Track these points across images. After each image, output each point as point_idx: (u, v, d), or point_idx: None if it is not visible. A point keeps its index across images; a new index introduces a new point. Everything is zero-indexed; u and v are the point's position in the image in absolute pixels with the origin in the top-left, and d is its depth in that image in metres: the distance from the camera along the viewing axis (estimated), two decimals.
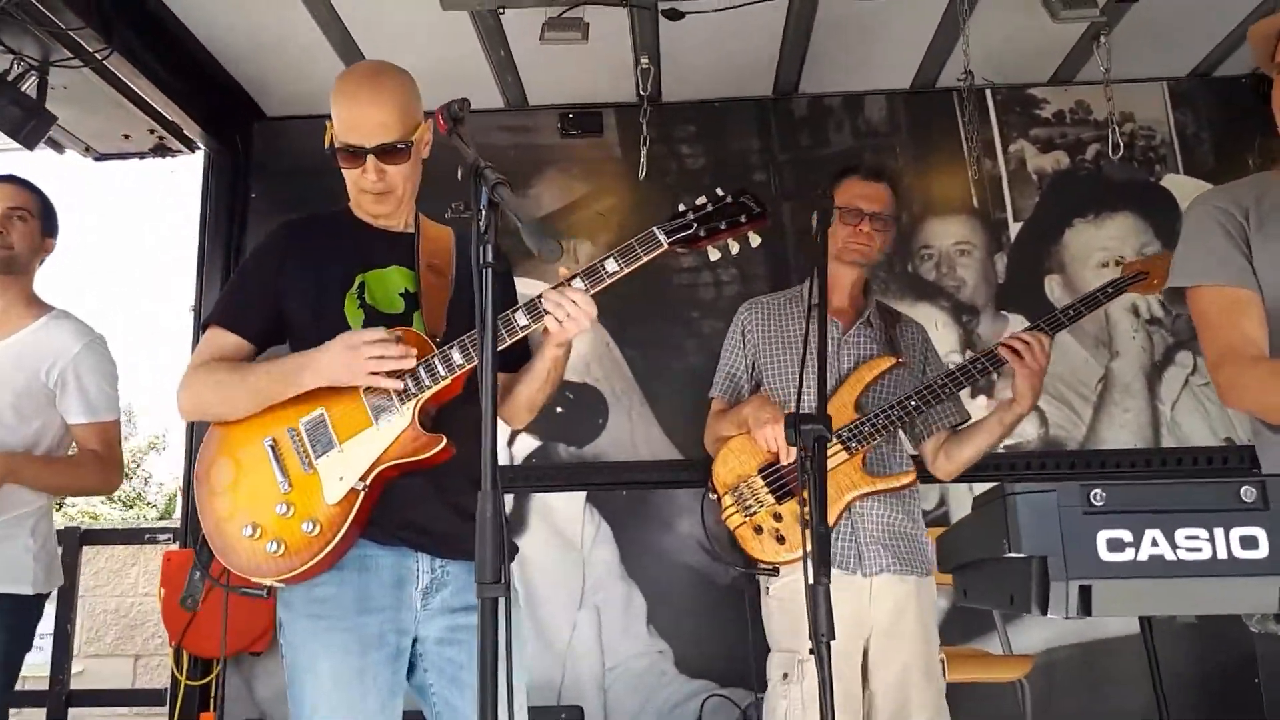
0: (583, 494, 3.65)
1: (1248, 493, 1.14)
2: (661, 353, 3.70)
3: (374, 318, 1.82)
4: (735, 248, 1.88)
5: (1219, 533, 1.13)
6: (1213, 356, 1.83)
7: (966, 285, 3.67)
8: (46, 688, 3.65)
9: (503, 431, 3.63)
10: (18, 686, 3.90)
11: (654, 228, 1.81)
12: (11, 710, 4.06)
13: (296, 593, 1.76)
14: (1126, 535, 1.14)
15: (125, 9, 3.05)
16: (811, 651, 2.08)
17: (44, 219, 2.49)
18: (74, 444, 2.48)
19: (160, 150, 3.81)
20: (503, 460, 3.61)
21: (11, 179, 2.48)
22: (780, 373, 2.67)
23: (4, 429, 2.32)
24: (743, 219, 1.85)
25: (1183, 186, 3.59)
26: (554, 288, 1.77)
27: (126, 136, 3.68)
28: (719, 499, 2.54)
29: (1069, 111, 3.68)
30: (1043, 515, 1.15)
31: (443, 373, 1.73)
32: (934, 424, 2.60)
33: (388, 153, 1.82)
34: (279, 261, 1.88)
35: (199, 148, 3.82)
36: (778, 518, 2.46)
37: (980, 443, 2.54)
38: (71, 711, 3.78)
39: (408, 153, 1.84)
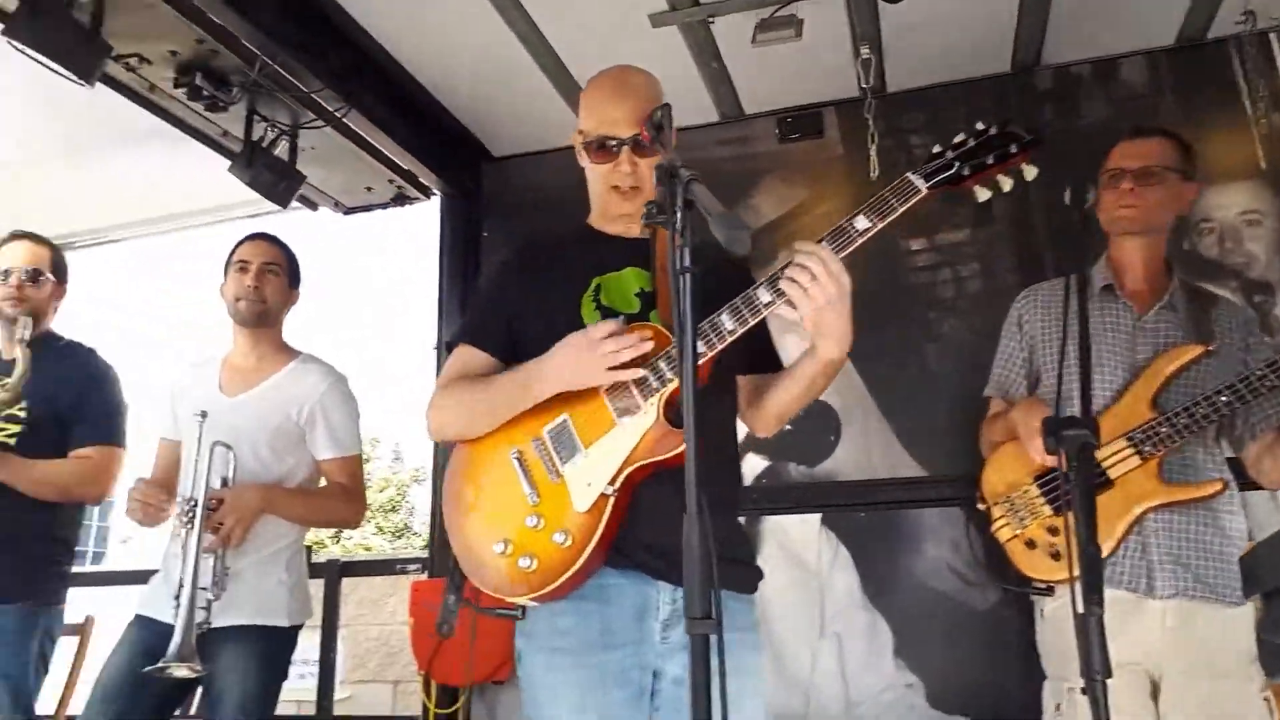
0: (817, 516, 3.46)
1: None
2: (898, 361, 3.44)
3: (611, 318, 1.73)
4: (1007, 184, 1.66)
5: None
6: None
7: (1257, 260, 3.14)
8: (314, 712, 3.90)
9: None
10: (289, 711, 4.28)
11: (909, 174, 1.65)
12: None
13: (539, 623, 1.69)
14: None
15: (359, 68, 3.27)
16: (1084, 690, 1.83)
17: (290, 273, 2.68)
18: (322, 479, 2.63)
19: (400, 199, 4.06)
20: None
21: (263, 236, 2.69)
22: (1058, 367, 2.38)
23: (261, 466, 2.49)
24: (1012, 149, 1.64)
25: None
26: (803, 252, 1.59)
27: (369, 189, 3.94)
28: (988, 509, 2.33)
29: None
30: None
31: None
32: (1259, 423, 2.24)
33: (641, 146, 1.76)
34: (515, 275, 1.87)
35: (434, 193, 4.03)
36: (1053, 531, 2.22)
37: None
38: None
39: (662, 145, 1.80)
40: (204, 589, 2.30)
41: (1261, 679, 2.10)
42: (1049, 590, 2.20)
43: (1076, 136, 3.32)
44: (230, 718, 2.35)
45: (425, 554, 3.93)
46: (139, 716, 2.31)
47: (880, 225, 1.61)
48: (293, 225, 4.35)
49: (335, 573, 4.01)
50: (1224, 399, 2.16)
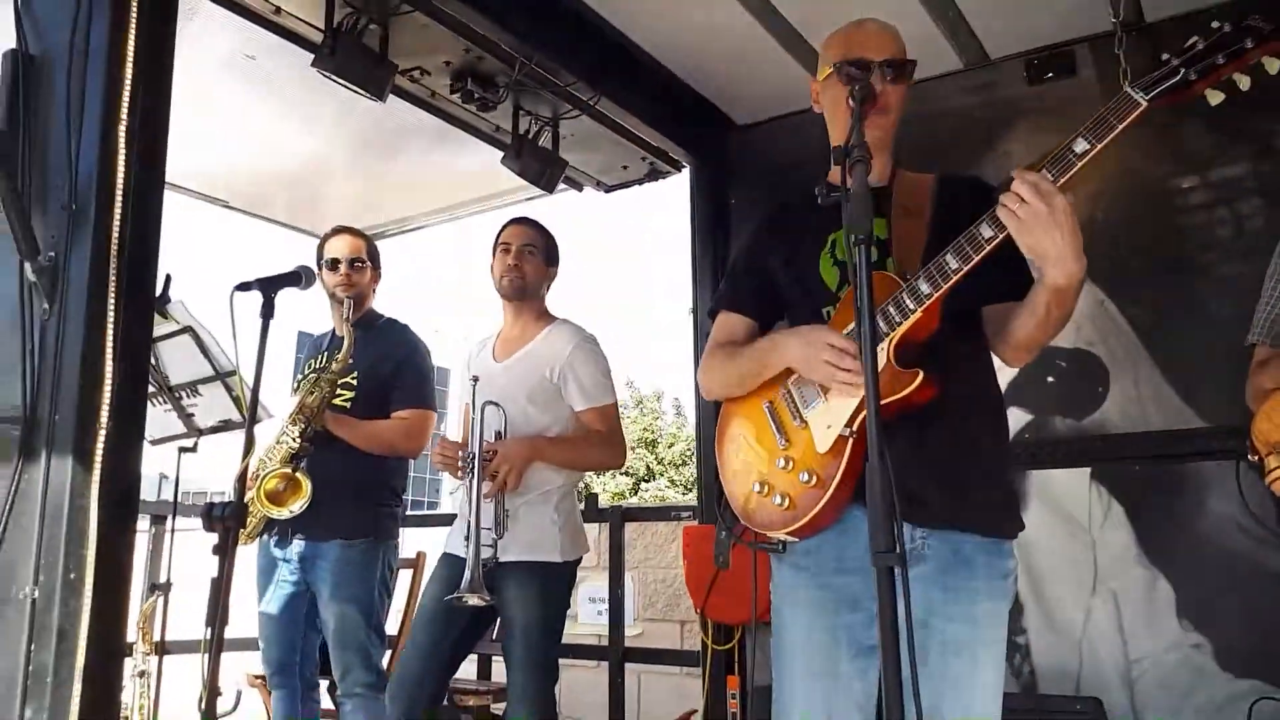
0: (1087, 470, 3.34)
1: None
2: (1172, 307, 3.23)
3: (848, 271, 1.76)
4: (1245, 81, 1.53)
5: None
6: None
7: None
8: (607, 644, 4.30)
9: None
10: (590, 642, 4.73)
11: (1126, 86, 1.55)
12: (580, 662, 4.88)
13: (792, 552, 1.80)
14: None
15: (606, 59, 3.51)
16: None
17: (546, 251, 2.97)
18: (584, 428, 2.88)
19: (654, 174, 4.29)
20: None
21: (523, 220, 3.00)
22: None
23: (525, 420, 2.80)
24: (1248, 43, 1.51)
25: None
26: (1011, 185, 1.55)
27: (625, 167, 4.20)
28: (1261, 460, 2.20)
29: None
30: None
31: (911, 306, 1.64)
32: None
33: (895, 69, 1.81)
34: (764, 241, 1.98)
35: (684, 166, 4.22)
36: None
37: None
38: (630, 666, 4.40)
39: (909, 76, 1.85)
40: (487, 529, 2.63)
41: None
42: None
43: None
44: (518, 642, 2.67)
45: (697, 502, 4.19)
46: (451, 638, 2.70)
47: (1099, 146, 1.52)
48: (562, 206, 4.74)
49: (619, 518, 4.39)
50: None
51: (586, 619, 5.64)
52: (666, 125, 3.89)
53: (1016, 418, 3.47)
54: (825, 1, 3.18)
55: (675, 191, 4.35)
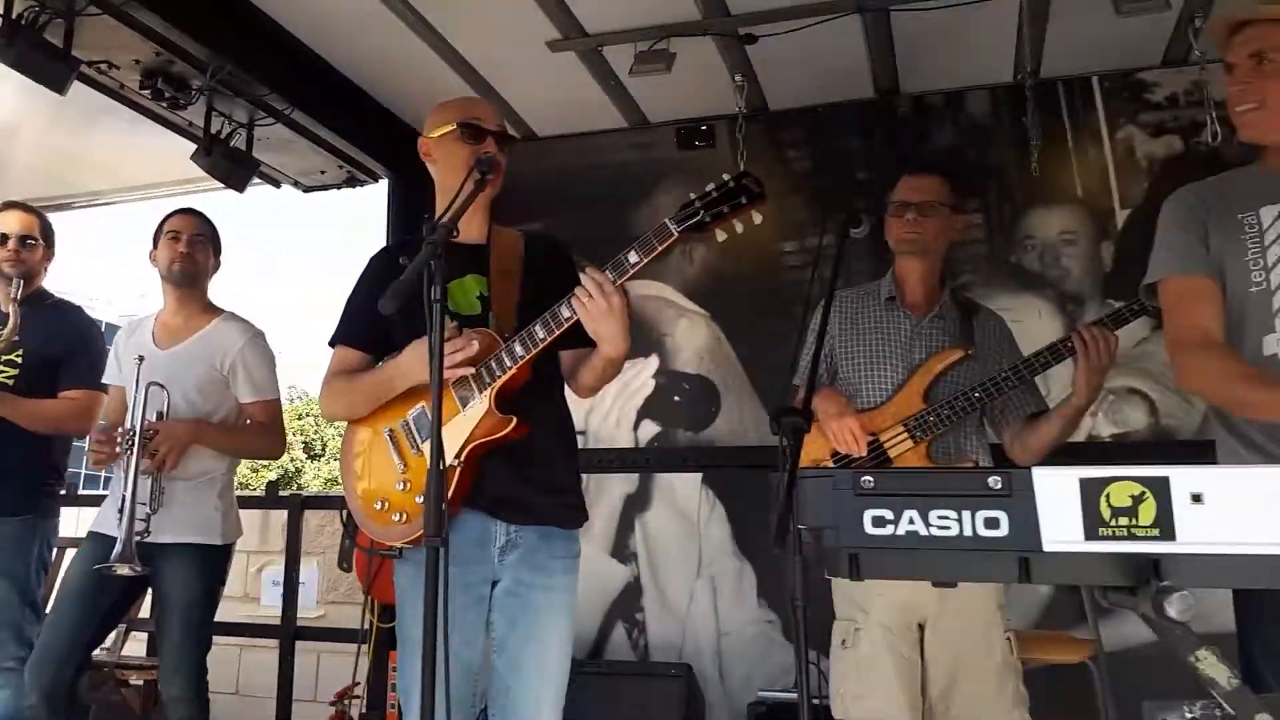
0: (699, 475, 4.02)
1: (995, 481, 1.35)
2: (768, 346, 3.97)
3: (458, 322, 2.14)
4: (740, 228, 1.98)
5: (966, 515, 1.35)
6: (1168, 342, 1.95)
7: (1071, 275, 3.67)
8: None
9: (627, 417, 4.08)
10: (268, 622, 4.87)
11: (666, 219, 1.94)
12: (261, 641, 5.04)
13: (410, 553, 2.18)
14: (889, 514, 1.38)
15: (300, 71, 3.73)
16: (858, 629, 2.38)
17: (214, 243, 3.14)
18: (247, 419, 3.09)
19: (352, 181, 4.54)
20: (628, 444, 4.07)
21: (191, 211, 3.13)
22: (851, 364, 2.88)
23: (190, 408, 2.95)
24: (743, 200, 1.93)
25: None
26: (587, 275, 1.99)
27: (322, 172, 4.43)
28: None
29: (1183, 94, 3.57)
30: (821, 495, 1.42)
31: (508, 363, 2.05)
32: (1010, 413, 2.72)
33: (502, 140, 2.19)
34: (379, 285, 2.19)
35: (382, 177, 4.51)
36: None
37: (1048, 432, 2.63)
38: (312, 645, 4.65)
39: (505, 155, 2.20)
40: (142, 504, 2.77)
41: (1005, 623, 2.57)
42: None
43: (928, 158, 3.83)
44: (177, 618, 2.87)
45: None
46: (97, 614, 2.85)
47: (646, 259, 1.98)
48: (262, 201, 4.83)
49: (298, 506, 4.60)
50: (977, 395, 2.67)
51: (269, 601, 5.76)
52: (362, 138, 4.15)
53: (648, 429, 4.10)
54: (506, 56, 3.67)
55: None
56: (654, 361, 4.08)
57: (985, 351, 2.74)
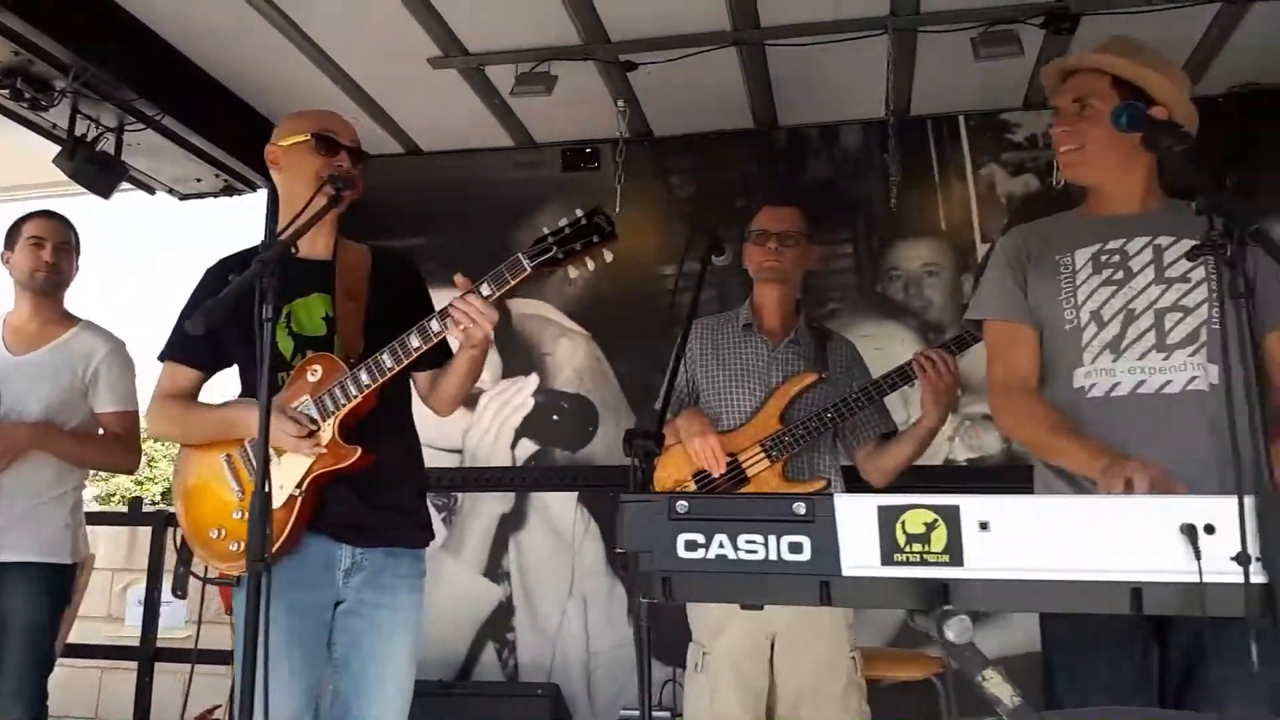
0: (575, 494, 4.04)
1: (799, 507, 1.41)
2: (646, 366, 4.01)
3: (302, 342, 2.13)
4: (592, 265, 2.05)
5: (773, 539, 1.40)
6: (988, 385, 2.06)
7: (933, 305, 3.82)
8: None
9: (505, 435, 4.07)
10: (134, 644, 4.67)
11: (519, 253, 1.99)
12: (122, 663, 4.83)
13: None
14: (700, 538, 1.43)
15: (171, 77, 3.64)
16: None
17: (78, 249, 3.05)
18: (100, 430, 2.97)
19: (229, 190, 4.43)
20: (505, 462, 4.07)
21: (55, 215, 3.02)
22: (712, 387, 2.96)
23: (45, 413, 2.83)
24: (595, 238, 1.98)
25: None
26: (461, 298, 2.00)
27: (198, 180, 4.31)
28: None
29: (1041, 135, 3.76)
30: (641, 520, 1.45)
31: (354, 392, 2.04)
32: (861, 434, 2.82)
33: (357, 156, 2.18)
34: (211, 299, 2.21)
35: (261, 186, 4.42)
36: None
37: (899, 453, 2.73)
38: (178, 666, 4.46)
39: (359, 172, 2.19)
40: None
41: (851, 642, 2.65)
42: None
43: (802, 189, 3.95)
44: (20, 640, 2.74)
45: None
46: None
47: (499, 292, 2.01)
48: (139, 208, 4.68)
49: (162, 522, 4.45)
50: (829, 415, 2.76)
51: (133, 621, 5.54)
52: (240, 148, 4.06)
53: (526, 448, 4.10)
54: (390, 73, 3.65)
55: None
56: (534, 380, 4.09)
57: (837, 375, 2.85)
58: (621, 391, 4.04)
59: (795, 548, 1.40)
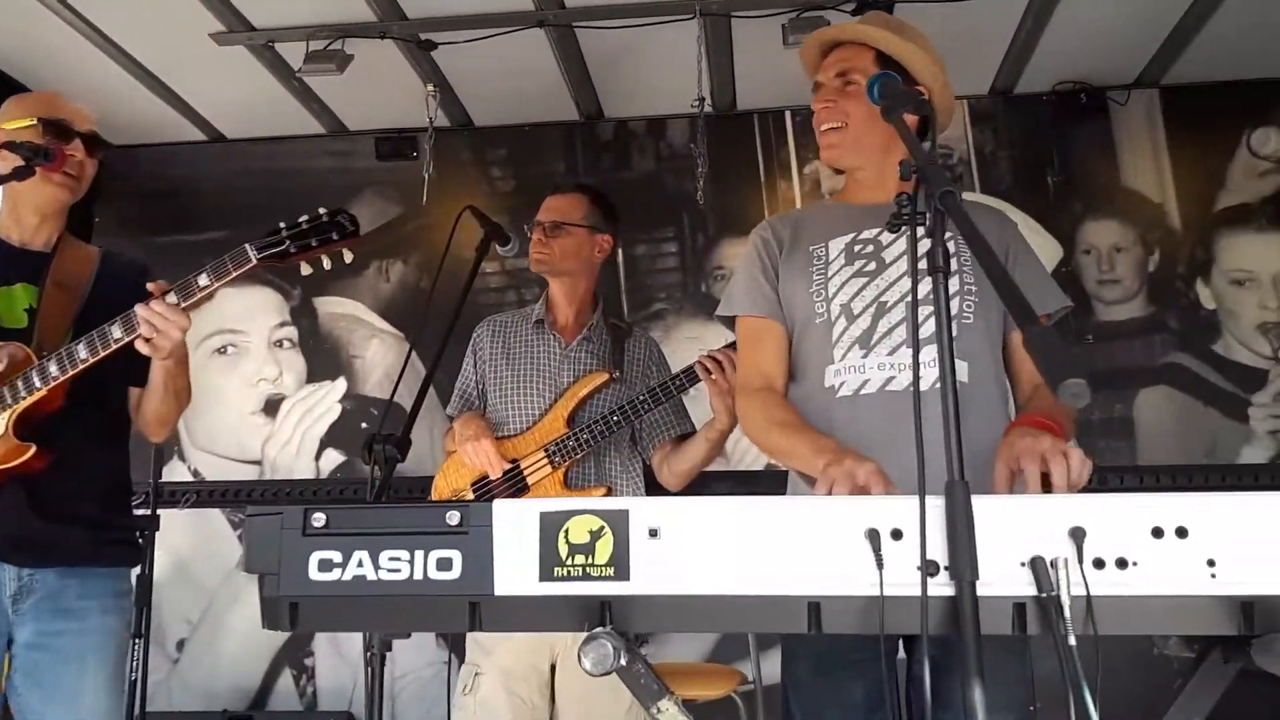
0: None
1: (452, 516, 1.20)
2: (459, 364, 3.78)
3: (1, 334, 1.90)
4: (328, 263, 1.92)
5: (419, 554, 1.19)
6: (736, 384, 1.90)
7: None
8: None
9: (309, 445, 3.78)
10: None
11: (246, 244, 1.86)
12: None
13: None
14: (337, 556, 1.20)
15: None
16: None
17: None
18: None
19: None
20: (308, 474, 3.77)
21: None
22: (499, 389, 2.75)
23: None
24: (334, 236, 1.88)
25: None
26: (146, 302, 1.82)
27: None
28: None
29: None
30: (269, 536, 1.22)
31: (37, 384, 1.83)
32: (656, 436, 2.66)
33: (93, 144, 1.99)
34: None
35: None
36: None
37: (692, 455, 2.58)
38: None
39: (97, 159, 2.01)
40: None
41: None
42: None
43: (627, 184, 3.78)
44: None
45: None
46: None
47: (219, 284, 1.83)
48: None
49: None
50: (615, 418, 2.58)
51: None
52: None
53: (331, 458, 3.81)
54: (160, 39, 3.34)
55: None
56: (341, 385, 3.80)
57: (633, 375, 2.69)
58: (437, 397, 3.78)
59: (444, 564, 1.18)
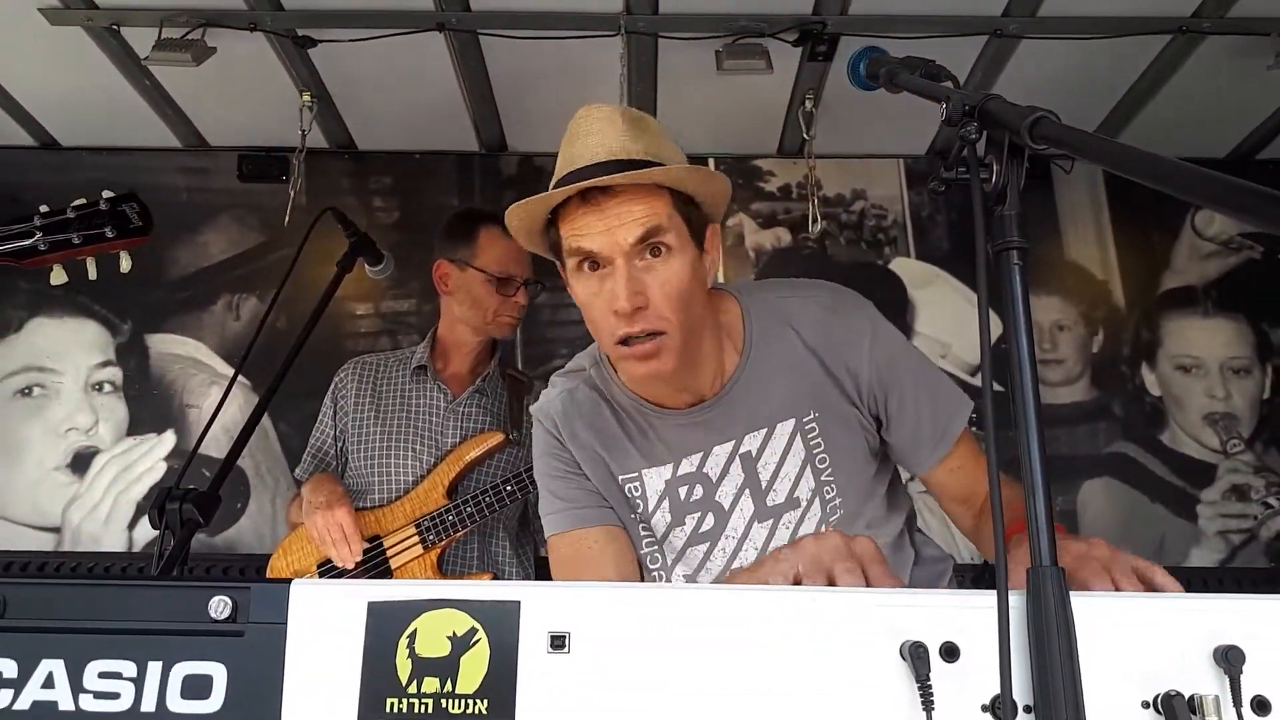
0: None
1: (218, 604, 0.70)
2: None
3: None
4: (94, 272, 1.52)
5: (153, 671, 0.69)
6: None
7: None
8: None
9: (122, 511, 3.13)
10: None
11: None
12: None
13: None
14: (10, 669, 0.68)
15: None
16: None
17: None
18: None
19: None
20: (118, 547, 3.11)
21: None
22: (364, 448, 2.24)
23: None
24: (109, 233, 1.48)
25: (911, 270, 3.25)
26: None
27: None
28: None
29: (796, 186, 3.35)
30: None
31: None
32: None
33: None
34: None
35: None
36: None
37: None
38: None
39: None
40: None
41: None
42: None
43: None
44: None
45: None
46: None
47: None
48: None
49: None
50: (509, 488, 2.12)
51: None
52: None
53: (149, 529, 3.14)
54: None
55: None
56: (169, 440, 3.17)
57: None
58: (284, 456, 3.20)
59: (197, 689, 0.68)
